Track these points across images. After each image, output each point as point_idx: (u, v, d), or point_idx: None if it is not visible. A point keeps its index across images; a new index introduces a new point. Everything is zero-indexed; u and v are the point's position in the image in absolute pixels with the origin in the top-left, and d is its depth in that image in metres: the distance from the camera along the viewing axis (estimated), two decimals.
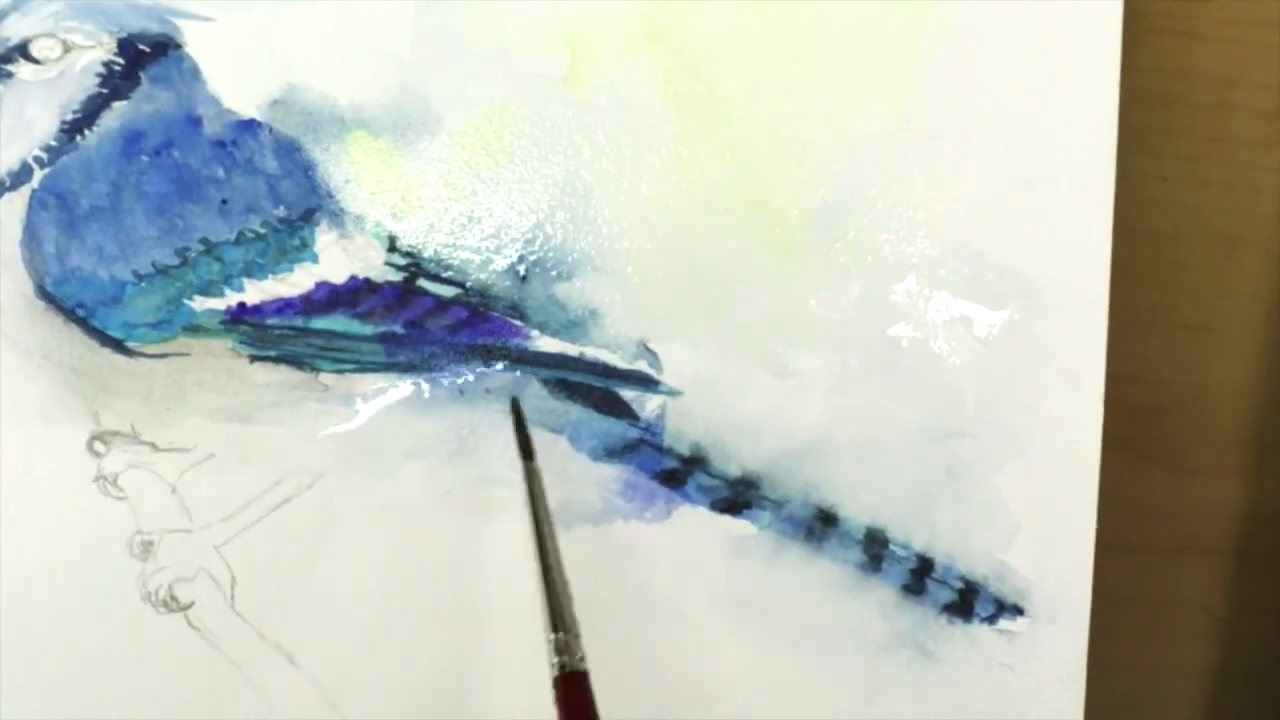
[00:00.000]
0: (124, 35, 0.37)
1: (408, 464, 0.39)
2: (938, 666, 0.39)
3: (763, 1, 0.39)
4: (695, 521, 0.38)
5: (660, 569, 0.38)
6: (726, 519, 0.38)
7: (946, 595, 0.39)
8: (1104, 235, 0.40)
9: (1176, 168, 0.44)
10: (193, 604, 0.39)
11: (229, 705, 0.39)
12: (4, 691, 0.38)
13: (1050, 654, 0.39)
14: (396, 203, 0.37)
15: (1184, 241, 0.45)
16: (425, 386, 0.39)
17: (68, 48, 0.38)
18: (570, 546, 0.39)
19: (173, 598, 0.39)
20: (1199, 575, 0.47)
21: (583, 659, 0.32)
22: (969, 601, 0.39)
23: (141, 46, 0.37)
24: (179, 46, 0.37)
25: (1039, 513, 0.39)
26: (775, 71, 0.39)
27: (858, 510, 0.39)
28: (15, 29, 0.38)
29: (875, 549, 0.39)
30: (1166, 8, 0.43)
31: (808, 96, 0.39)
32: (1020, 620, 0.39)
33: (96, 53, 0.38)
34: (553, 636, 0.32)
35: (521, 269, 0.38)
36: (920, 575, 0.39)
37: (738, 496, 0.39)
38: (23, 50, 0.37)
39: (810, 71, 0.39)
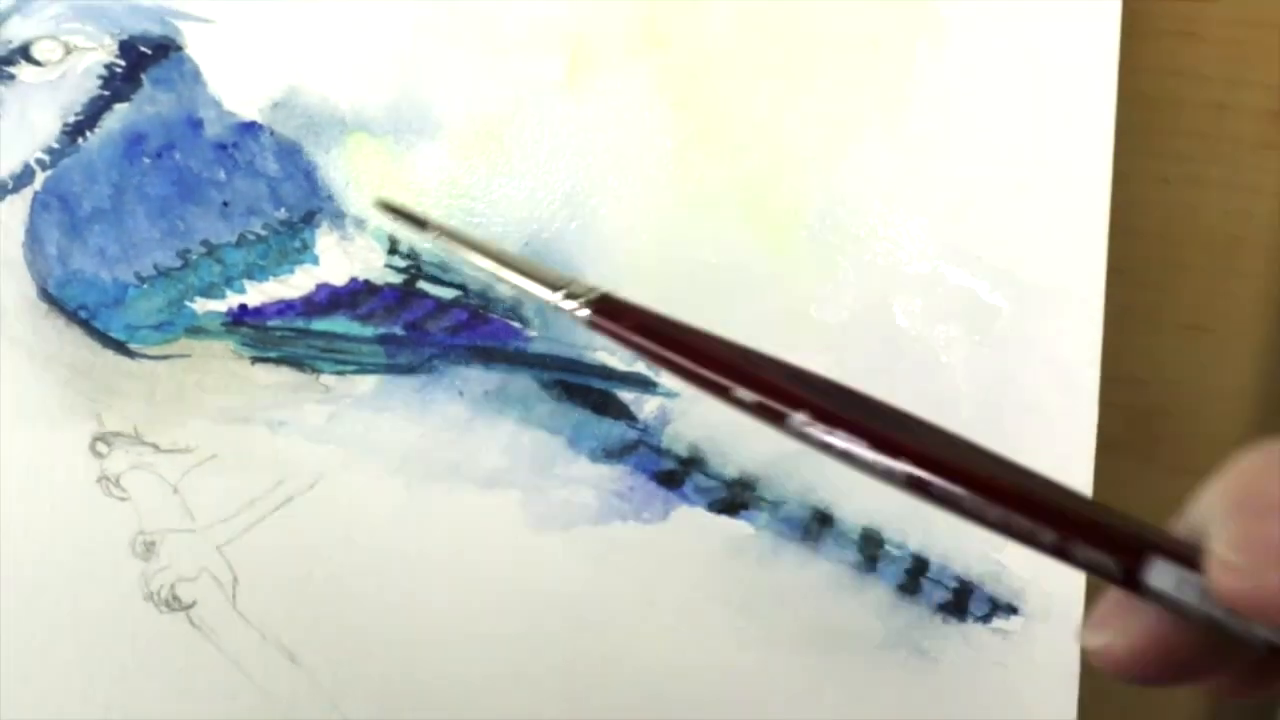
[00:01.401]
0: (125, 38, 0.38)
1: (408, 464, 0.41)
2: (933, 665, 0.41)
3: (761, 5, 0.41)
4: (693, 522, 0.40)
5: (658, 569, 0.40)
6: (723, 519, 0.40)
7: (941, 595, 0.41)
8: (1100, 236, 0.42)
9: (1177, 168, 0.45)
10: (195, 603, 0.41)
11: (230, 703, 0.41)
12: (6, 690, 0.40)
13: (1045, 652, 0.41)
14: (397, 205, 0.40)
15: (1184, 242, 0.46)
16: (425, 388, 0.41)
17: (69, 50, 0.40)
18: (569, 547, 0.41)
19: (175, 597, 0.41)
20: None
21: (593, 289, 0.28)
22: (964, 601, 0.41)
23: (143, 49, 0.39)
24: (180, 49, 0.39)
25: None
26: (774, 75, 0.40)
27: (853, 511, 0.41)
28: (17, 31, 0.39)
29: (871, 549, 0.41)
30: (1167, 8, 0.44)
31: (806, 99, 0.40)
32: (1014, 619, 0.41)
33: (98, 55, 0.40)
34: (556, 294, 0.28)
35: None
36: (915, 575, 0.41)
37: (735, 497, 0.40)
38: (24, 52, 0.39)
39: (809, 74, 0.40)
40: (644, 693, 0.40)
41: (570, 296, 0.29)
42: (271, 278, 0.38)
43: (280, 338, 0.38)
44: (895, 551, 0.41)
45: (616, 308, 0.28)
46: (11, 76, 0.38)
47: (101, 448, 0.40)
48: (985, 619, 0.41)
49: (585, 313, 0.28)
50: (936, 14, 0.40)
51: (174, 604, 0.41)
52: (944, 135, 0.41)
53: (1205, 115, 0.45)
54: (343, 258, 0.39)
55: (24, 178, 0.37)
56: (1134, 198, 0.45)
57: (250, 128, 0.39)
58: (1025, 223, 0.41)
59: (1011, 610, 0.41)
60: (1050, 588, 0.41)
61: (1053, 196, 0.41)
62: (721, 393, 0.28)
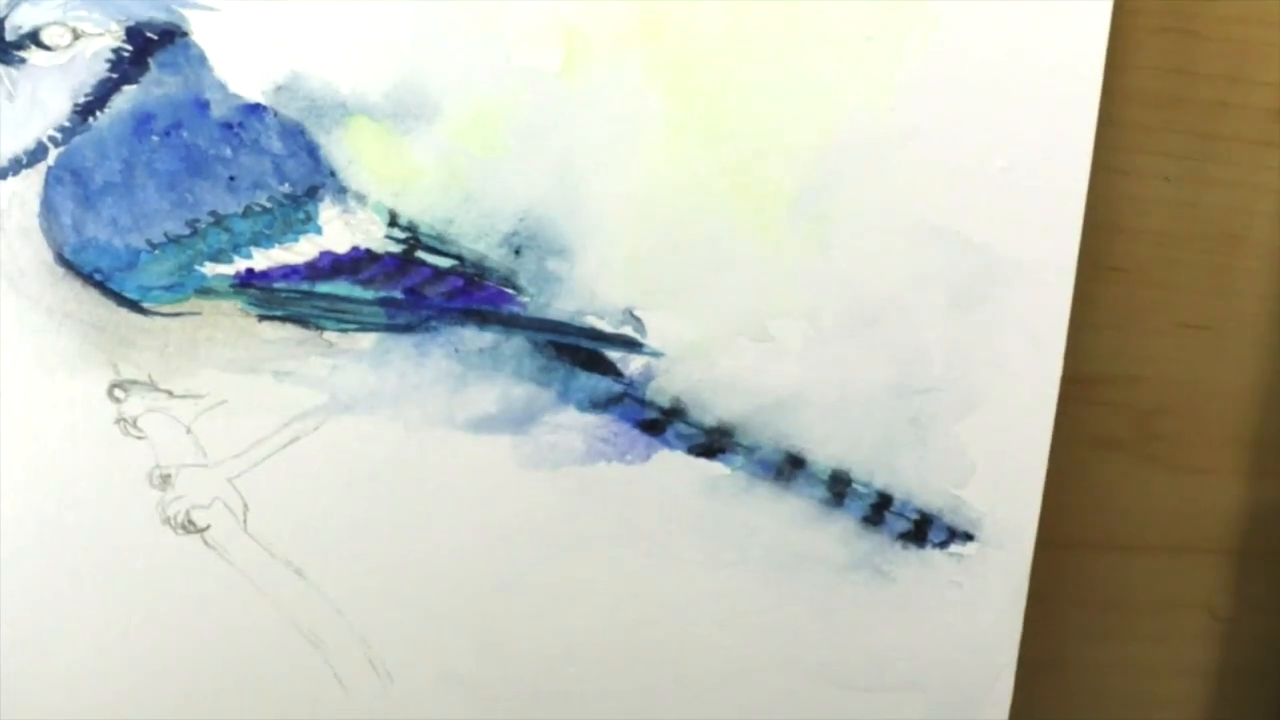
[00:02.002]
0: (132, 24, 0.53)
1: (405, 411, 0.57)
2: (892, 585, 0.62)
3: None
4: (672, 463, 0.60)
5: (640, 503, 0.60)
6: (702, 461, 0.60)
7: (903, 525, 0.62)
8: (1076, 212, 0.58)
9: (1178, 166, 0.61)
10: (209, 527, 0.57)
11: (243, 613, 0.59)
12: (33, 609, 0.58)
13: (996, 573, 0.63)
14: (397, 183, 0.56)
15: (1185, 240, 0.62)
16: (423, 344, 0.56)
17: (77, 35, 0.52)
18: (557, 484, 0.58)
19: (190, 522, 0.63)
20: (1199, 575, 0.67)
21: None
22: (923, 530, 0.62)
23: (149, 34, 0.53)
24: (186, 34, 0.54)
25: (994, 455, 0.61)
26: (767, 67, 0.56)
27: (825, 456, 0.60)
28: (26, 17, 0.52)
29: (839, 487, 0.61)
30: (1168, 6, 0.59)
31: (795, 88, 0.57)
32: (970, 545, 0.62)
33: (105, 40, 0.53)
34: None
35: (515, 244, 0.57)
36: (879, 509, 0.62)
37: (713, 443, 0.60)
38: (34, 37, 0.53)
39: (798, 64, 0.57)
40: (625, 613, 0.61)
41: None
42: (277, 245, 0.55)
43: (285, 298, 0.56)
44: (861, 489, 0.61)
45: None
46: (23, 60, 0.53)
47: (119, 393, 0.55)
48: (943, 545, 0.62)
49: None
50: (924, 7, 0.57)
51: (189, 527, 0.57)
52: (928, 123, 0.58)
53: (1206, 113, 0.61)
54: (344, 229, 0.55)
55: (38, 153, 0.54)
56: (1134, 196, 0.61)
57: (255, 109, 0.55)
58: (1005, 203, 0.58)
59: (968, 537, 0.62)
60: (1005, 518, 0.62)
61: (1033, 178, 0.58)
62: None
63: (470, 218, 0.55)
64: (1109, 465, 0.64)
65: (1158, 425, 0.66)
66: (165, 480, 0.61)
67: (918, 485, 0.64)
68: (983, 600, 0.65)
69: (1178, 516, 0.67)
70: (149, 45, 0.54)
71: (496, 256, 0.59)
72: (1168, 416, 0.66)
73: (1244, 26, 0.61)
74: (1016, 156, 0.60)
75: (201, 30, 0.54)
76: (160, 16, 0.53)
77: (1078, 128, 0.60)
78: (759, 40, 0.58)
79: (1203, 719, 0.69)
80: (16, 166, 0.55)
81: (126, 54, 0.54)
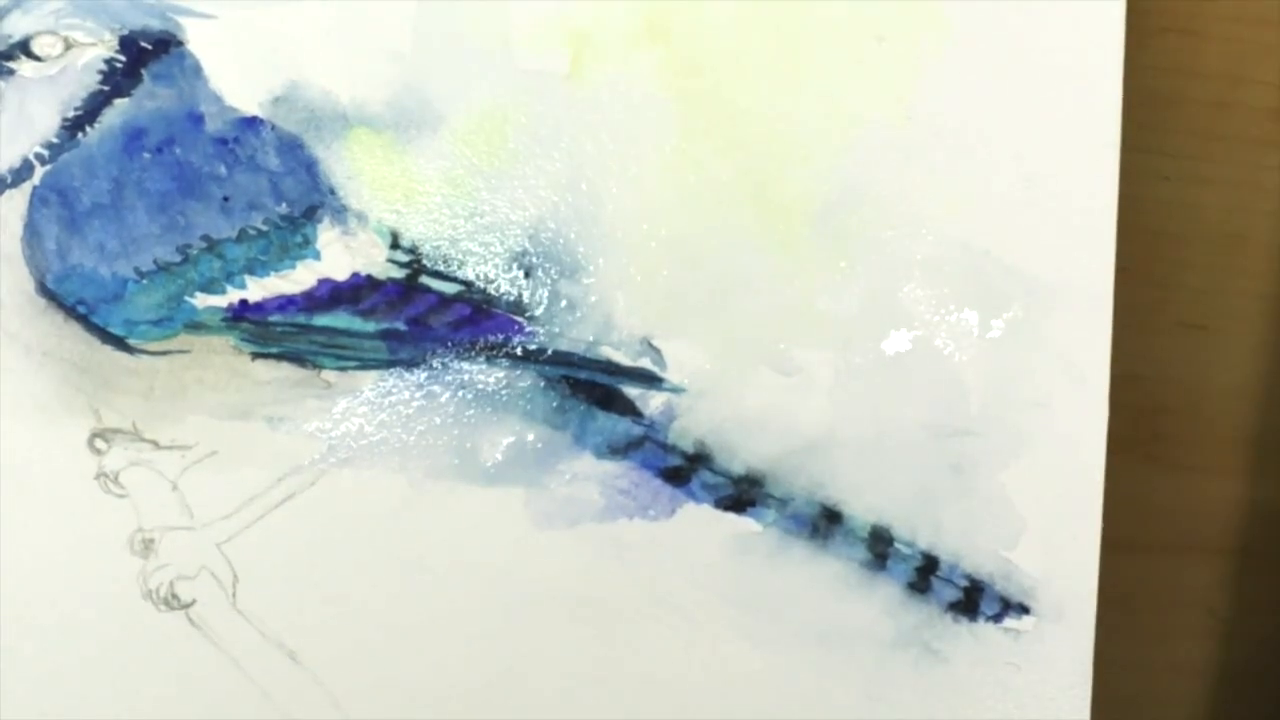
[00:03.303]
0: (125, 33, 0.52)
1: (410, 462, 0.53)
2: (944, 665, 0.57)
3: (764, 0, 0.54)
4: (699, 519, 0.56)
5: (664, 566, 0.55)
6: (730, 516, 0.56)
7: (952, 593, 0.57)
8: (1108, 232, 0.56)
9: (1179, 166, 0.62)
10: (194, 602, 0.56)
11: (230, 703, 0.53)
12: (4, 689, 0.53)
13: (1057, 652, 0.57)
14: (399, 199, 0.54)
15: (1186, 240, 0.63)
16: (428, 383, 0.53)
17: (69, 45, 0.51)
18: (575, 544, 0.54)
19: (174, 595, 0.60)
20: (1200, 574, 0.65)
21: None
22: (974, 600, 0.57)
23: (143, 44, 0.52)
24: (181, 44, 0.53)
25: (1044, 511, 0.57)
26: (779, 68, 0.55)
27: (862, 508, 0.56)
28: (16, 26, 0.51)
29: (880, 547, 0.57)
30: (1169, 6, 0.60)
31: (811, 94, 0.55)
32: (1026, 619, 0.57)
33: (98, 50, 0.51)
34: None
35: (525, 266, 0.54)
36: (925, 573, 0.57)
37: (742, 494, 0.56)
38: (24, 47, 0.52)
39: (814, 68, 0.55)
40: (649, 692, 0.56)
41: None
42: (273, 273, 0.53)
43: (281, 333, 0.53)
44: (905, 549, 0.57)
45: None
46: (11, 71, 0.52)
47: (100, 444, 0.53)
48: (996, 618, 0.57)
49: None
50: (941, 11, 0.56)
51: (173, 602, 0.52)
52: (949, 131, 0.56)
53: (1207, 113, 0.62)
54: (344, 253, 0.53)
55: (23, 172, 0.52)
56: (1135, 195, 0.58)
57: (251, 123, 0.53)
58: (1032, 218, 0.56)
59: (1023, 610, 0.57)
60: (1062, 587, 0.57)
61: (1059, 192, 0.56)
62: None
63: (477, 235, 0.53)
64: (1110, 464, 0.60)
65: (1158, 425, 0.66)
66: (148, 545, 0.57)
67: (965, 545, 0.60)
68: (1044, 685, 0.60)
69: (1178, 516, 0.67)
70: (143, 55, 0.53)
71: (505, 279, 0.57)
72: (1168, 416, 0.66)
73: (1244, 26, 0.62)
74: (1039, 165, 0.59)
75: (197, 40, 0.53)
76: (155, 25, 0.52)
77: (1101, 133, 0.59)
78: (771, 39, 0.58)
79: (1203, 719, 0.68)
80: (0, 187, 0.52)
81: (119, 65, 0.54)
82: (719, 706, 0.58)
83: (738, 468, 0.58)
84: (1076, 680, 0.60)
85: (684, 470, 0.58)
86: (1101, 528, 0.60)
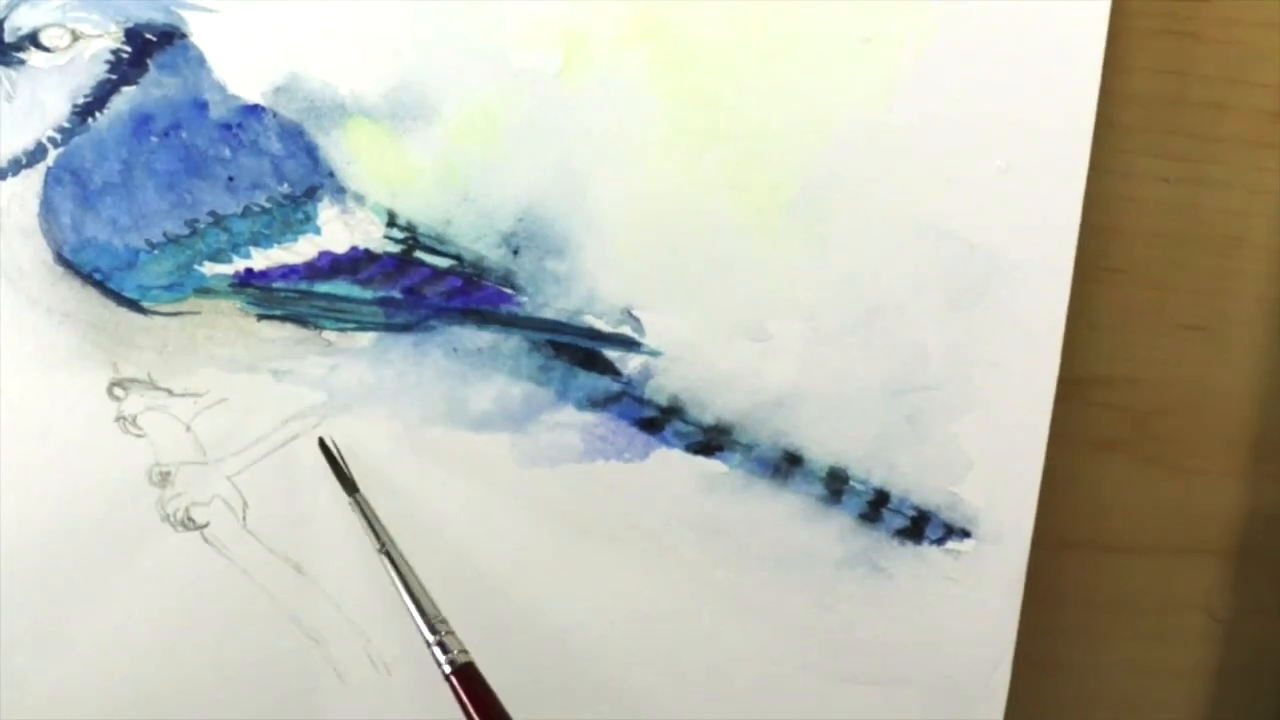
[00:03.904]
0: (131, 25, 0.54)
1: (404, 409, 0.57)
2: (889, 580, 0.63)
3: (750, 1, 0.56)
4: (671, 461, 0.61)
5: (638, 500, 0.61)
6: (699, 459, 0.61)
7: (900, 522, 0.62)
8: (1074, 210, 0.59)
9: (1177, 168, 0.62)
10: (208, 524, 0.58)
11: (242, 606, 0.59)
12: (35, 603, 0.59)
13: (993, 570, 0.63)
14: (395, 183, 0.56)
15: (1184, 242, 0.63)
16: (421, 343, 0.57)
17: (76, 37, 0.53)
18: (555, 481, 0.59)
19: (190, 518, 0.64)
20: (1199, 575, 0.67)
21: (463, 651, 0.53)
22: (920, 527, 0.63)
23: (148, 35, 0.54)
24: (185, 36, 0.54)
25: (991, 452, 0.62)
26: (762, 65, 0.57)
27: (822, 453, 0.61)
28: (25, 19, 0.53)
29: (836, 484, 0.61)
30: (1167, 8, 0.60)
31: (793, 89, 0.57)
32: (967, 542, 0.63)
33: (104, 41, 0.53)
34: (433, 639, 0.54)
35: (514, 244, 0.57)
36: (877, 506, 0.62)
37: (710, 441, 0.60)
38: (33, 39, 0.53)
39: (796, 64, 0.57)
40: (622, 608, 0.62)
41: (442, 647, 0.53)
42: (276, 245, 0.56)
43: (284, 298, 0.56)
44: (859, 486, 0.61)
45: (472, 681, 0.53)
46: (22, 62, 0.54)
47: (119, 392, 0.56)
48: (939, 541, 0.63)
49: (447, 668, 0.52)
50: (923, 7, 0.57)
51: (188, 524, 0.58)
52: (926, 123, 0.58)
53: (1205, 115, 0.62)
54: (343, 229, 0.56)
55: (37, 154, 0.55)
56: (1135, 197, 0.62)
57: (253, 110, 0.55)
58: (1003, 204, 0.59)
59: (965, 534, 0.63)
60: (1002, 515, 0.63)
61: (1031, 179, 0.59)
62: None
63: (468, 218, 0.56)
64: (1108, 466, 0.64)
65: (1156, 426, 0.66)
66: (165, 478, 0.61)
67: (915, 483, 0.65)
68: (979, 596, 0.66)
69: (1177, 517, 0.68)
70: (148, 46, 0.55)
71: (495, 256, 0.60)
72: (1167, 417, 0.67)
73: (1242, 28, 0.62)
74: (1015, 157, 0.61)
75: (200, 32, 0.55)
76: (159, 18, 0.54)
77: (1076, 128, 0.61)
78: (757, 40, 0.59)
79: (1202, 719, 0.69)
80: (16, 167, 0.55)
81: (125, 55, 0.55)
82: (686, 622, 0.65)
83: (708, 419, 0.63)
84: (1009, 596, 0.66)
85: (658, 420, 0.63)
86: (1100, 529, 0.65)
